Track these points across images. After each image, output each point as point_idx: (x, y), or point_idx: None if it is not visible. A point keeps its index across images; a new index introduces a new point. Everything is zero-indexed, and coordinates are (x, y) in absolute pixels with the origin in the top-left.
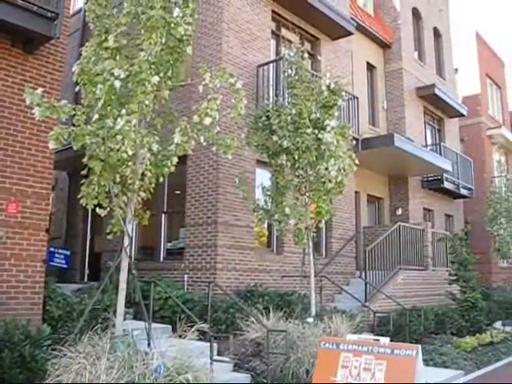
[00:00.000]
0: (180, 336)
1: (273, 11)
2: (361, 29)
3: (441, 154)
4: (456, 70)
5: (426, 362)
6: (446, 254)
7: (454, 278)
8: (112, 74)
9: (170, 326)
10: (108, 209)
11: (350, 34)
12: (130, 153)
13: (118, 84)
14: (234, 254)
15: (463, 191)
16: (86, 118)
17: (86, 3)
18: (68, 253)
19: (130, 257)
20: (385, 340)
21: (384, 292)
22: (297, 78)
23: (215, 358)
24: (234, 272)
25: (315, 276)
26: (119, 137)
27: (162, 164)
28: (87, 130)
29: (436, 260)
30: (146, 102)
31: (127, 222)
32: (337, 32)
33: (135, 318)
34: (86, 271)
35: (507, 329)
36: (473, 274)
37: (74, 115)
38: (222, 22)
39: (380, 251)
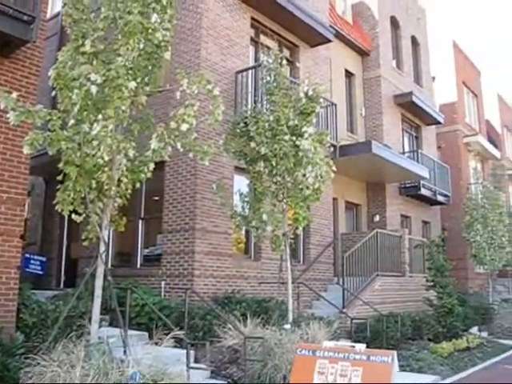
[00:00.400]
0: (156, 343)
1: (252, 18)
2: (340, 36)
3: (418, 161)
4: (433, 78)
5: (403, 368)
6: (423, 261)
7: (431, 284)
8: (88, 79)
9: (146, 333)
10: (84, 215)
11: (329, 41)
12: (106, 158)
13: (94, 89)
14: (212, 260)
15: (440, 198)
16: (61, 123)
17: (63, 7)
18: (44, 259)
19: (106, 263)
20: (360, 346)
21: (361, 298)
22: (275, 84)
23: (192, 365)
24: (211, 278)
25: (293, 282)
26: (95, 142)
27: (138, 170)
28: (63, 136)
29: (413, 266)
30: (123, 108)
31: (103, 229)
32: (316, 39)
33: (111, 324)
34: (63, 278)
35: (483, 334)
36: (449, 280)
37: (50, 120)
38: (201, 28)
39: (358, 257)
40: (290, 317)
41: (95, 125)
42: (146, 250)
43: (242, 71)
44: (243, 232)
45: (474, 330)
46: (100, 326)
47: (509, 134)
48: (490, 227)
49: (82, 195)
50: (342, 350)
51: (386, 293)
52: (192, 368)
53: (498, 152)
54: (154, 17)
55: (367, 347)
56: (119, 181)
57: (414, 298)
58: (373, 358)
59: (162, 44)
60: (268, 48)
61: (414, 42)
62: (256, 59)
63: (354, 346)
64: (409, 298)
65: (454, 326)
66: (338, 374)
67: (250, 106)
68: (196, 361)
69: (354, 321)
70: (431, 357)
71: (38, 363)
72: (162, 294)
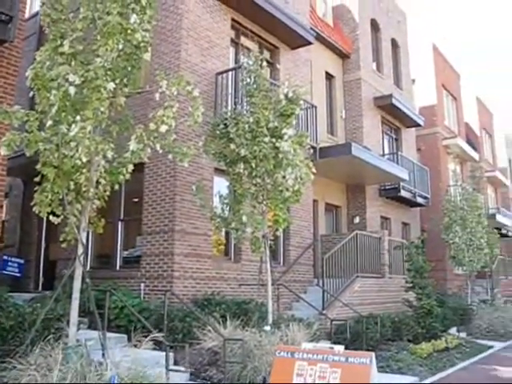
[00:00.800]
0: (135, 345)
1: (232, 19)
2: (320, 39)
3: (398, 163)
4: (413, 80)
5: (383, 369)
6: (403, 262)
7: (411, 285)
8: (67, 80)
9: (125, 336)
10: (62, 216)
11: (310, 43)
12: (85, 160)
13: (72, 90)
14: (192, 262)
15: (419, 200)
16: (39, 124)
17: (41, 7)
18: (22, 261)
19: (85, 265)
20: (339, 348)
21: (341, 300)
22: (255, 86)
23: (171, 367)
24: (191, 280)
25: (273, 284)
26: (73, 143)
27: (117, 171)
28: (40, 137)
29: (393, 268)
30: (102, 109)
31: (81, 230)
32: (296, 41)
33: (90, 327)
34: (41, 280)
35: (462, 335)
36: (428, 282)
37: (27, 121)
38: (182, 29)
39: (337, 259)
40: (270, 318)
41: (73, 126)
42: (126, 252)
43: (222, 73)
44: (223, 234)
45: (453, 330)
46: (78, 329)
47: (487, 137)
48: (468, 229)
49: (60, 197)
50: (320, 351)
51: (365, 294)
52: (171, 370)
53: (476, 154)
54: (134, 17)
55: (347, 348)
56: (97, 182)
57: (394, 299)
58: (351, 359)
59: (142, 45)
60: (248, 49)
61: (394, 44)
62: (236, 61)
63: (332, 348)
64: (388, 300)
65: (433, 326)
66: (317, 375)
67: (229, 108)
68: (175, 363)
69: (333, 322)
70: (410, 357)
71: (15, 367)
72: (142, 296)
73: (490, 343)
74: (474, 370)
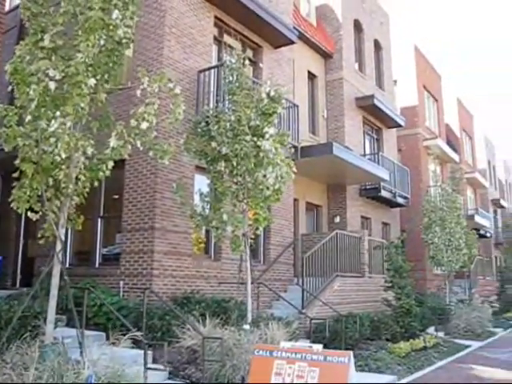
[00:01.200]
0: (114, 344)
1: (216, 17)
2: (303, 38)
3: (379, 163)
4: (395, 81)
5: (362, 368)
6: (383, 262)
7: (390, 284)
8: (47, 75)
9: (104, 334)
10: (40, 213)
11: (293, 42)
12: (64, 156)
13: (52, 85)
14: (171, 260)
15: (400, 200)
16: (18, 119)
17: (21, 0)
18: None
19: (64, 262)
20: (318, 347)
21: (321, 299)
22: (237, 84)
23: (149, 365)
24: (170, 278)
25: (252, 283)
26: (53, 139)
27: (96, 168)
28: (19, 132)
29: (372, 267)
30: (82, 105)
31: (60, 227)
32: (279, 40)
33: (68, 325)
34: (19, 277)
35: (440, 334)
36: (408, 281)
37: (6, 116)
38: (164, 26)
39: (318, 258)
40: (249, 317)
41: (53, 121)
42: (105, 249)
43: (204, 70)
44: (203, 232)
45: (431, 330)
46: (56, 327)
47: (467, 138)
48: (447, 229)
49: (39, 193)
50: (299, 350)
51: (345, 293)
52: (149, 369)
53: (456, 155)
54: (116, 13)
55: (326, 347)
56: (77, 179)
57: (373, 298)
58: (329, 358)
59: (124, 41)
60: (231, 48)
61: (377, 45)
62: (219, 58)
63: (311, 347)
64: (368, 299)
65: (411, 326)
66: (295, 374)
67: (211, 106)
68: (154, 361)
69: (313, 321)
70: (389, 357)
71: None
72: (121, 293)
73: (467, 342)
74: (451, 369)
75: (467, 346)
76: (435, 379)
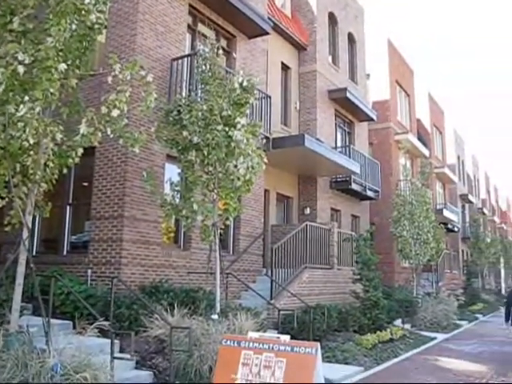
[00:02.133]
0: (80, 333)
1: (190, 5)
2: (277, 29)
3: (350, 156)
4: (368, 75)
5: (329, 359)
6: (351, 254)
7: (358, 277)
8: (16, 59)
9: (70, 323)
10: (7, 199)
11: (267, 33)
12: (32, 141)
13: (21, 69)
14: (140, 249)
15: (370, 193)
16: None
17: None
18: None
19: (30, 250)
20: (285, 338)
21: (289, 290)
22: (210, 74)
23: (116, 355)
24: (139, 267)
25: (221, 273)
26: (21, 124)
27: (66, 155)
28: None
29: (341, 259)
30: (52, 90)
31: (27, 214)
32: (253, 31)
33: (34, 313)
34: None
35: (406, 326)
36: (376, 274)
37: None
38: (138, 13)
39: (287, 249)
40: (218, 307)
41: (21, 106)
42: (74, 237)
43: (177, 59)
44: (173, 221)
45: (398, 322)
46: (21, 315)
47: (437, 134)
48: (416, 223)
49: (6, 179)
50: (266, 340)
51: (313, 285)
52: (116, 358)
53: (426, 150)
54: None
55: (294, 338)
56: (45, 165)
57: (342, 290)
58: (297, 349)
59: (96, 26)
60: (205, 36)
61: (351, 39)
62: (193, 47)
63: (278, 337)
64: (336, 291)
65: (378, 318)
66: (262, 365)
67: (184, 95)
68: (121, 351)
69: (281, 312)
70: (356, 348)
71: None
72: (89, 282)
73: (433, 335)
74: (417, 361)
75: (433, 338)
76: (400, 370)
